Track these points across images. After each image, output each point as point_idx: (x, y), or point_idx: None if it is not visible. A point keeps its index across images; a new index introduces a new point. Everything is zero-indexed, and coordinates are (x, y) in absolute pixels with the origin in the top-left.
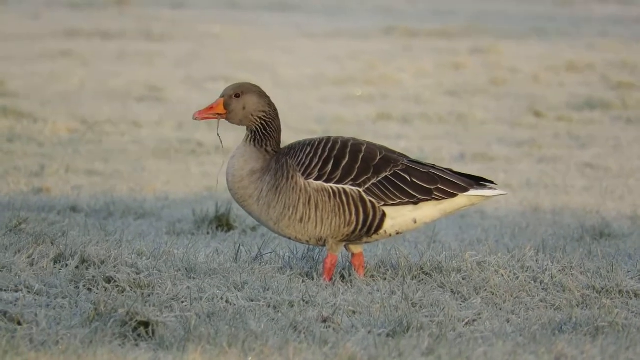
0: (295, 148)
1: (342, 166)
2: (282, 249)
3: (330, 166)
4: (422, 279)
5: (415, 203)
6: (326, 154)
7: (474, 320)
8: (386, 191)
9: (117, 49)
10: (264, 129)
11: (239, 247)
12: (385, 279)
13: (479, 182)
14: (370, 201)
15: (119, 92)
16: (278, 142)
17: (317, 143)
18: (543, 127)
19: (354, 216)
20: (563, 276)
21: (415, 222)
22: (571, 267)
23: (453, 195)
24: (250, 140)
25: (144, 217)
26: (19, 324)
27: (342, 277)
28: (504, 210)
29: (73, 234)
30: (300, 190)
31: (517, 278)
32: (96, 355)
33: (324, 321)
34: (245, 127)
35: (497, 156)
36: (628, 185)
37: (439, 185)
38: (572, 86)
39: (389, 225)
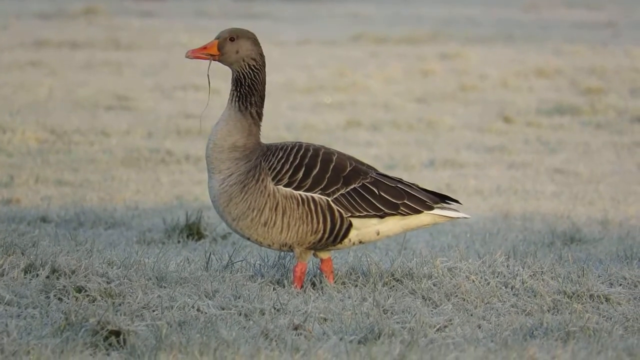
0: (271, 150)
1: (312, 175)
2: (253, 257)
3: (301, 174)
4: (393, 286)
5: (382, 216)
6: (297, 161)
7: (445, 326)
8: (354, 202)
9: (85, 58)
10: (251, 79)
11: (210, 255)
12: (356, 285)
13: (443, 200)
14: (338, 211)
15: (88, 102)
16: (262, 97)
17: (289, 149)
18: (512, 133)
19: (321, 224)
20: (534, 281)
21: (378, 234)
22: (542, 272)
23: (418, 212)
24: (235, 101)
25: (114, 226)
26: None
27: (313, 284)
28: (474, 216)
29: (43, 244)
30: (269, 195)
31: (488, 284)
32: None
33: (296, 329)
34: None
35: (466, 162)
36: (598, 191)
37: (405, 201)
38: (541, 91)
39: (353, 234)
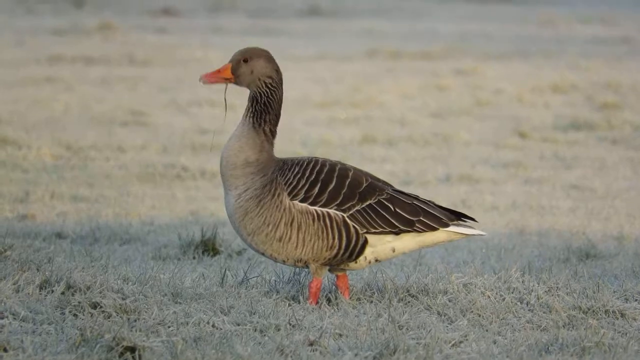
0: (287, 165)
1: (328, 190)
2: (268, 272)
3: (317, 189)
4: (409, 302)
5: (397, 233)
6: (313, 176)
7: (460, 342)
8: (369, 219)
9: (100, 74)
10: (267, 96)
11: (225, 271)
12: (371, 301)
13: (459, 217)
14: (354, 227)
15: (103, 117)
16: (277, 116)
17: (305, 164)
18: (528, 148)
19: (336, 240)
20: (549, 297)
21: (394, 251)
22: (557, 287)
23: (434, 229)
24: (250, 117)
25: (130, 242)
26: (5, 350)
27: (329, 300)
28: (489, 232)
29: (59, 260)
30: (285, 210)
31: (504, 299)
32: None
33: (311, 344)
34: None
35: (482, 178)
36: (614, 206)
37: (421, 218)
38: (556, 107)
39: (369, 252)
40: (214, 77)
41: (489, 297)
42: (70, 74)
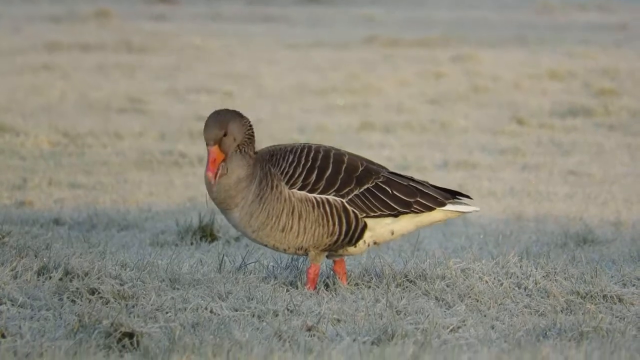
0: (277, 155)
1: (325, 177)
2: (266, 258)
3: (314, 176)
4: (407, 287)
5: (396, 215)
6: (309, 163)
7: (458, 327)
8: (368, 203)
9: (97, 61)
10: (248, 138)
11: (223, 257)
12: (369, 287)
13: (454, 195)
14: (353, 212)
15: (101, 104)
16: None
17: (299, 151)
18: (526, 135)
19: (337, 226)
20: (547, 282)
21: (393, 233)
22: (555, 273)
23: (431, 209)
24: (236, 150)
25: (127, 228)
26: (3, 336)
27: (326, 285)
28: (487, 217)
29: (56, 247)
30: (285, 200)
31: (501, 284)
32: None
33: (309, 330)
34: None
35: (479, 164)
36: (611, 192)
37: (418, 199)
38: (554, 93)
39: (367, 235)
40: (215, 168)
41: (486, 282)
42: (67, 61)
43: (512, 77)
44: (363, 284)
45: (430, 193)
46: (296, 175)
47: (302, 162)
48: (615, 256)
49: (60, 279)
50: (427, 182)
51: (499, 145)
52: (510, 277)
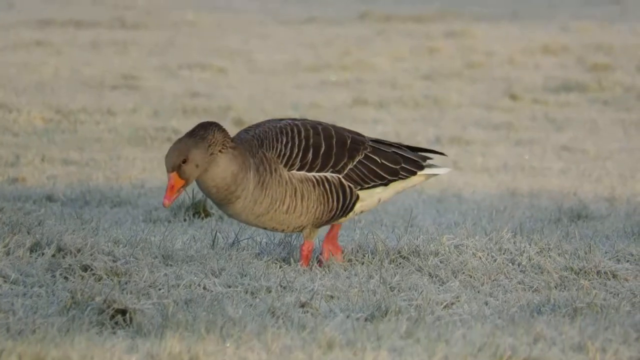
0: (268, 138)
1: (321, 153)
2: (259, 235)
3: (310, 155)
4: (400, 263)
5: (386, 184)
6: (304, 142)
7: (452, 303)
8: (362, 175)
9: (90, 37)
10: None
11: (216, 233)
12: (362, 263)
13: (424, 155)
14: (349, 186)
15: (94, 81)
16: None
17: (289, 131)
18: (519, 110)
19: (335, 202)
20: (541, 258)
21: (379, 201)
22: (549, 249)
23: (414, 174)
24: (219, 151)
25: (120, 205)
26: None
27: (320, 262)
28: (481, 193)
29: (49, 223)
30: (286, 183)
31: (495, 260)
32: (73, 343)
33: (302, 306)
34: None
35: (473, 139)
36: (605, 167)
37: (402, 165)
38: (547, 69)
39: (358, 206)
40: (173, 196)
41: (480, 258)
42: (60, 38)
43: (505, 52)
44: (356, 260)
45: (411, 157)
46: (293, 156)
47: (297, 142)
48: (609, 232)
49: (53, 256)
50: (400, 144)
51: (492, 120)
52: (504, 253)
